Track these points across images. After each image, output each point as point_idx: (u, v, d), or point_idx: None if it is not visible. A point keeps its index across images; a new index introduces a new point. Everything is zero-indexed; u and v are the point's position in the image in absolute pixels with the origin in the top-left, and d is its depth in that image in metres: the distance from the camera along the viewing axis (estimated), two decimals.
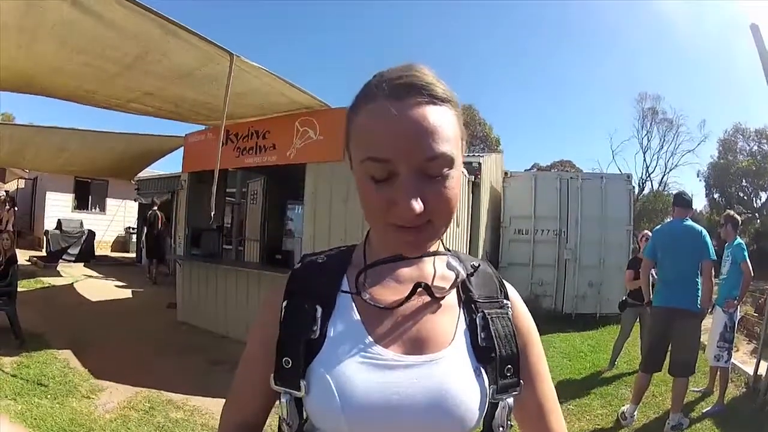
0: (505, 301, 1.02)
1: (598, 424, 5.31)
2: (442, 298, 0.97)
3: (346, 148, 0.95)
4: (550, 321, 9.98)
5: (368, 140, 0.86)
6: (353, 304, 0.96)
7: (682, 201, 5.46)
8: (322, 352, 0.91)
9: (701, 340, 5.47)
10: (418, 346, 0.92)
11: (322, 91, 6.65)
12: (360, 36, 67.99)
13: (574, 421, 5.38)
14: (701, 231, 5.17)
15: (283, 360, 0.92)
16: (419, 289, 0.94)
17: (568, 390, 6.28)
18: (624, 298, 7.21)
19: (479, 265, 1.05)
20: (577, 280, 11.39)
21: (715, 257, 5.26)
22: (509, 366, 0.95)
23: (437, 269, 1.02)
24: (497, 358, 0.94)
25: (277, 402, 0.97)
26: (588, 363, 7.60)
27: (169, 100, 6.87)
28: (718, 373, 5.88)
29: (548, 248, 11.55)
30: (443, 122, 0.84)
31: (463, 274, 1.00)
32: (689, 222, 5.27)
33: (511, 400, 0.96)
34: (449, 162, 0.84)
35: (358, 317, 0.94)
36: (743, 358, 7.77)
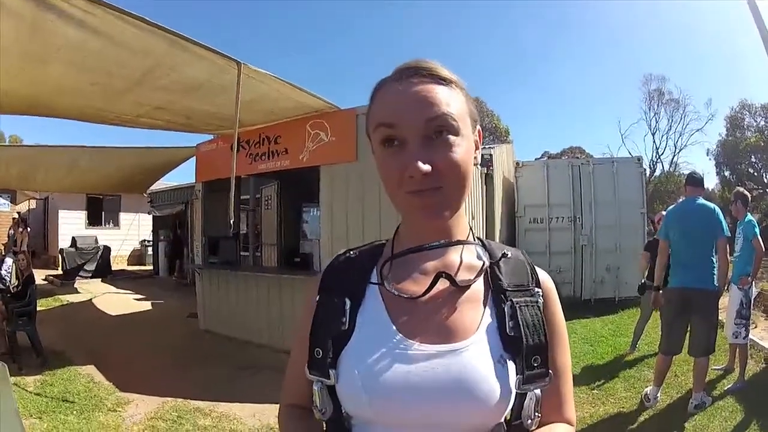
0: (536, 289, 1.02)
1: (623, 407, 5.30)
2: (467, 287, 0.99)
3: (368, 136, 1.02)
4: (569, 308, 9.69)
5: (378, 112, 0.96)
6: (380, 295, 1.00)
7: (694, 180, 5.43)
8: (351, 342, 0.95)
9: (719, 318, 5.44)
10: (442, 335, 0.93)
11: (330, 95, 6.69)
12: (363, 37, 68.30)
13: (599, 404, 5.38)
14: (714, 209, 5.14)
15: (315, 350, 0.98)
16: (442, 279, 0.95)
17: (591, 374, 6.30)
18: (643, 281, 7.18)
19: (509, 253, 1.05)
20: (595, 265, 11.35)
21: (729, 234, 5.22)
22: (537, 356, 0.95)
23: (464, 259, 1.03)
24: (524, 347, 0.94)
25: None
26: (609, 347, 7.59)
27: (180, 113, 6.88)
28: (738, 350, 5.85)
29: (564, 235, 11.52)
30: (445, 95, 0.92)
31: (487, 262, 1.01)
32: (702, 200, 5.24)
33: (539, 391, 0.95)
34: (451, 126, 0.91)
35: (384, 308, 0.98)
36: (762, 335, 7.74)
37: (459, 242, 1.02)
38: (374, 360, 0.91)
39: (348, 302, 0.98)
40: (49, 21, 3.96)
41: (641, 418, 5.04)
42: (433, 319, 0.95)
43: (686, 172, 37.02)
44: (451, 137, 0.91)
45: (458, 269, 1.01)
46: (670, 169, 39.55)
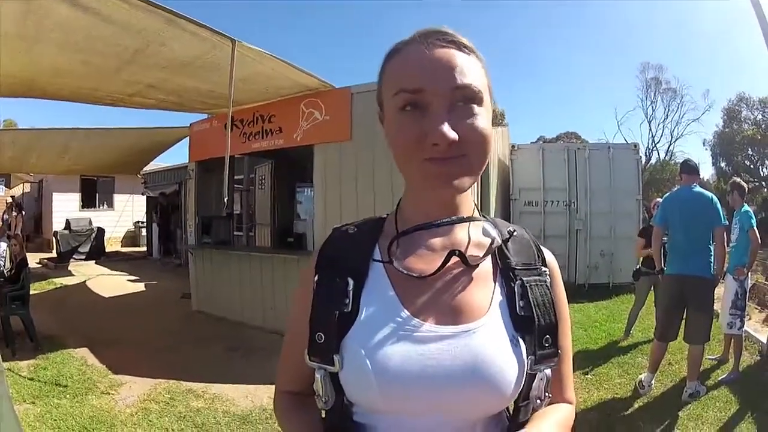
0: (543, 268, 1.00)
1: (617, 393, 5.32)
2: (477, 265, 0.96)
3: (379, 104, 0.99)
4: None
5: (400, 75, 0.90)
6: (386, 274, 0.95)
7: (689, 167, 5.40)
8: (356, 325, 0.90)
9: (715, 307, 5.46)
10: (453, 316, 0.91)
11: (325, 73, 6.65)
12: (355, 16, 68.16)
13: (593, 390, 5.39)
14: (711, 197, 5.13)
15: (316, 335, 0.93)
16: (453, 257, 0.93)
17: (586, 359, 6.32)
18: (638, 267, 7.19)
19: (515, 230, 1.04)
20: (589, 250, 11.37)
21: (726, 223, 5.23)
22: (548, 336, 0.93)
23: (472, 236, 1.00)
24: (536, 327, 0.92)
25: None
26: (603, 332, 7.62)
27: (173, 91, 6.84)
28: (732, 340, 5.84)
29: (559, 219, 11.52)
30: (470, 64, 0.90)
31: (498, 240, 0.98)
32: (698, 188, 5.23)
33: (549, 371, 0.94)
34: (477, 96, 0.88)
35: (392, 288, 0.93)
36: (756, 327, 7.74)
37: (470, 219, 0.99)
38: (383, 342, 0.87)
39: (351, 282, 0.93)
40: (42, 2, 3.93)
41: (635, 405, 5.05)
42: (443, 299, 0.93)
43: (682, 161, 37.32)
44: (476, 107, 0.88)
45: (467, 246, 0.98)
46: (666, 158, 39.61)
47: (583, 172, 11.44)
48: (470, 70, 0.88)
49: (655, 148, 40.04)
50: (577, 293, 10.27)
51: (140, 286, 12.28)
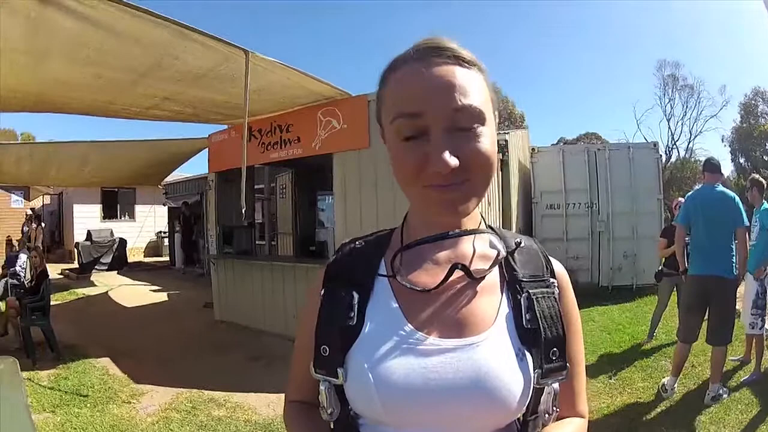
0: (551, 280, 0.98)
1: (640, 398, 5.24)
2: (482, 278, 0.94)
3: (379, 123, 0.96)
4: (587, 295, 9.85)
5: (398, 99, 0.88)
6: (390, 288, 0.95)
7: (712, 166, 5.32)
8: (360, 339, 0.90)
9: (737, 308, 5.38)
10: (457, 329, 0.89)
11: (342, 81, 6.65)
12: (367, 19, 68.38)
13: (616, 395, 5.33)
14: (734, 197, 5.05)
15: (321, 348, 0.93)
16: (457, 270, 0.91)
17: (609, 363, 6.25)
18: (660, 268, 7.12)
19: (522, 241, 1.01)
20: (612, 252, 11.24)
21: (748, 223, 5.16)
22: (555, 349, 0.91)
23: (477, 248, 0.99)
24: (542, 340, 0.90)
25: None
26: (627, 336, 7.52)
27: (188, 103, 6.86)
28: (754, 341, 5.75)
29: (581, 221, 11.41)
30: (471, 81, 0.86)
31: (503, 252, 0.97)
32: (721, 188, 5.14)
33: (556, 386, 0.93)
34: (479, 116, 0.85)
35: (396, 301, 0.93)
36: None
37: (473, 231, 0.97)
38: (386, 356, 0.87)
39: (356, 296, 0.93)
40: (49, 16, 3.94)
41: (658, 410, 4.98)
42: (447, 312, 0.91)
43: (702, 158, 37.11)
44: (478, 127, 0.85)
45: (472, 259, 0.97)
46: (686, 156, 39.24)
47: (604, 173, 11.32)
48: (471, 88, 0.85)
49: (674, 146, 39.75)
50: (600, 295, 10.21)
51: (162, 296, 12.36)
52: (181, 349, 7.55)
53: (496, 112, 0.96)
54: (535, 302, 0.92)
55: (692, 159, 37.89)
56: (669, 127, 40.04)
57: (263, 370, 6.30)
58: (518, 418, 0.93)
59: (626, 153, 11.47)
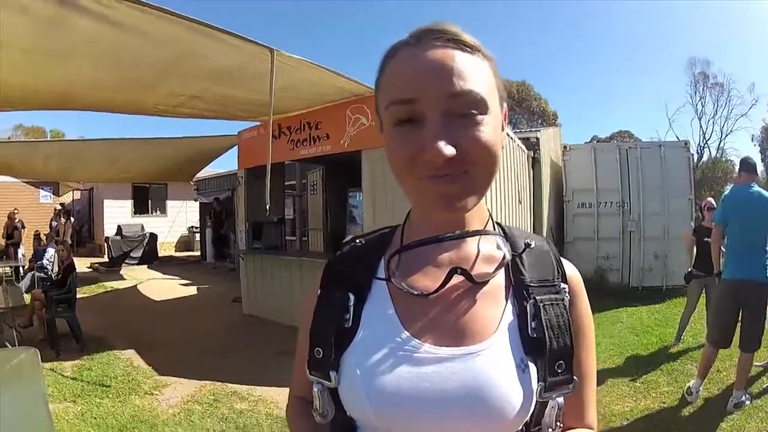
0: (562, 285, 0.91)
1: (664, 402, 5.16)
2: (485, 283, 0.88)
3: (377, 113, 0.90)
4: (617, 295, 9.81)
5: (391, 86, 0.82)
6: (388, 291, 0.90)
7: (748, 166, 5.16)
8: (354, 343, 0.86)
9: None
10: (456, 337, 0.84)
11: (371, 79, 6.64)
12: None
13: (640, 399, 5.25)
14: None
15: (315, 350, 0.90)
16: (456, 274, 0.86)
17: (635, 366, 6.19)
18: (690, 270, 7.00)
19: (532, 242, 0.94)
20: (643, 252, 11.08)
21: None
22: (561, 362, 0.85)
23: (482, 250, 0.93)
24: (547, 351, 0.84)
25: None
26: (655, 338, 7.41)
27: (216, 101, 6.89)
28: None
29: (612, 221, 11.28)
30: (470, 65, 0.80)
31: (508, 255, 0.91)
32: (756, 188, 4.99)
33: (561, 400, 0.87)
34: (478, 102, 0.78)
35: (392, 305, 0.88)
36: None
37: (477, 232, 0.91)
38: (379, 363, 0.83)
39: (352, 298, 0.89)
40: (70, 18, 3.98)
41: (680, 415, 4.91)
42: (446, 318, 0.86)
43: (733, 158, 36.71)
44: (479, 115, 0.78)
45: (475, 262, 0.91)
46: (717, 155, 38.61)
47: (636, 172, 11.15)
48: (471, 73, 0.78)
49: (706, 145, 39.16)
50: (630, 296, 10.09)
51: (192, 290, 12.51)
52: (208, 342, 7.61)
53: (505, 104, 0.89)
54: (542, 310, 0.86)
55: (723, 158, 37.29)
56: (700, 126, 39.50)
57: (288, 365, 6.22)
58: (521, 430, 0.85)
59: (658, 151, 11.27)
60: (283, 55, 4.94)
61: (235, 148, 9.90)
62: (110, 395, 5.39)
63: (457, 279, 0.86)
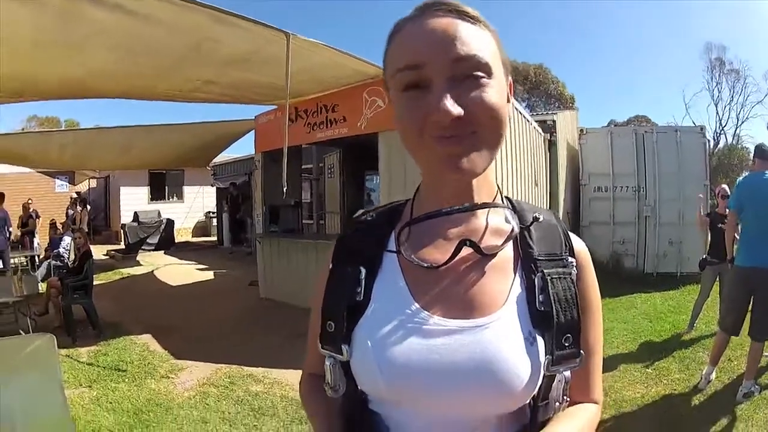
0: (569, 259, 0.92)
1: (675, 389, 5.15)
2: (494, 255, 0.90)
3: (386, 88, 0.93)
4: (632, 281, 9.80)
5: (398, 55, 0.85)
6: (398, 264, 0.92)
7: (763, 152, 5.09)
8: (366, 315, 0.89)
9: None
10: (465, 309, 0.86)
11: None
12: None
13: (652, 385, 5.25)
14: None
15: (327, 323, 0.92)
16: (465, 247, 0.87)
17: (648, 352, 6.20)
18: (704, 256, 6.97)
19: (540, 216, 0.95)
20: (658, 237, 11.00)
21: None
22: (568, 335, 0.86)
23: (491, 223, 0.94)
24: (555, 325, 0.85)
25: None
26: (668, 324, 7.39)
27: (231, 85, 6.92)
28: None
29: (628, 205, 11.19)
30: (473, 32, 0.83)
31: (516, 228, 0.92)
32: None
33: (568, 374, 0.88)
34: (482, 66, 0.81)
35: (402, 278, 0.90)
36: None
37: (485, 205, 0.92)
38: (390, 335, 0.85)
39: (363, 271, 0.91)
40: (80, 8, 4.00)
41: (690, 402, 4.91)
42: (455, 291, 0.88)
43: (748, 145, 36.23)
44: (484, 78, 0.81)
45: (484, 235, 0.93)
46: (733, 142, 38.11)
47: (651, 157, 11.04)
48: (474, 40, 0.81)
49: (722, 132, 38.71)
50: (645, 282, 10.04)
51: (209, 275, 12.56)
52: (224, 326, 7.66)
53: (509, 77, 0.91)
54: (549, 283, 0.87)
55: (739, 145, 36.81)
56: (717, 112, 38.97)
57: (304, 348, 6.26)
58: (529, 404, 0.88)
59: (673, 136, 11.16)
60: (298, 38, 4.94)
61: (252, 132, 9.95)
62: (126, 380, 5.44)
63: (466, 252, 0.88)
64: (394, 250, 0.93)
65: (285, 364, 5.71)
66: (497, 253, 0.90)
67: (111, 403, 4.85)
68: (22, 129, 30.31)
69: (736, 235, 5.32)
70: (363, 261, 0.93)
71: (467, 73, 0.80)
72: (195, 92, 7.06)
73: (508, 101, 0.89)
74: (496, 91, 0.82)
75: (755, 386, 4.88)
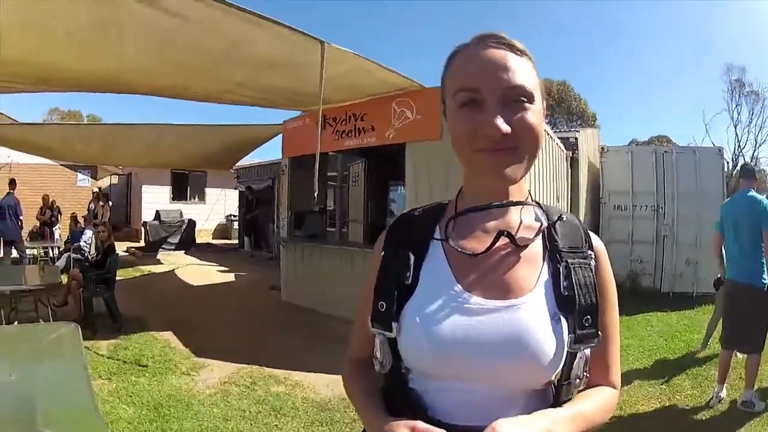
0: (589, 252, 1.07)
1: (687, 405, 5.20)
2: (526, 246, 1.04)
3: (442, 100, 1.11)
4: (648, 300, 9.80)
5: (459, 76, 1.02)
6: (443, 251, 1.07)
7: (746, 171, 5.34)
8: (414, 296, 1.02)
9: None
10: (501, 291, 1.00)
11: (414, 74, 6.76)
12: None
13: (665, 400, 5.31)
14: (761, 200, 4.98)
15: (379, 304, 1.05)
16: (503, 237, 1.02)
17: (662, 369, 6.23)
18: (718, 276, 7.04)
19: (564, 216, 1.11)
20: (675, 257, 10.98)
21: None
22: (588, 316, 1.00)
23: (523, 219, 1.09)
24: (577, 307, 0.99)
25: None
26: (682, 342, 7.42)
27: (262, 89, 6.93)
28: None
29: (646, 224, 11.18)
30: (522, 66, 1.00)
31: (545, 223, 1.07)
32: (752, 193, 5.10)
33: (588, 351, 1.02)
34: (528, 94, 0.98)
35: (447, 264, 1.04)
36: None
37: (519, 203, 1.08)
38: (436, 313, 0.98)
39: (412, 257, 1.05)
40: (122, 4, 4.05)
41: (702, 418, 4.96)
42: (493, 275, 1.02)
43: (766, 167, 35.98)
44: (527, 104, 0.97)
45: (518, 229, 1.07)
46: (751, 164, 37.81)
47: (671, 177, 11.04)
48: (522, 71, 0.98)
49: (741, 154, 38.37)
50: (661, 301, 10.01)
51: (229, 277, 12.59)
52: (246, 326, 7.72)
53: (545, 102, 1.08)
54: (572, 271, 1.01)
55: (757, 168, 36.52)
56: (736, 134, 38.68)
57: (326, 352, 6.24)
58: (553, 383, 1.04)
59: (692, 157, 11.16)
60: (332, 47, 5.00)
61: (276, 138, 10.08)
62: (146, 374, 5.50)
63: (502, 242, 1.02)
64: (441, 238, 1.07)
65: (307, 367, 5.80)
66: (528, 244, 1.05)
67: (131, 396, 4.92)
68: (43, 121, 30.45)
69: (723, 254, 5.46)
70: (412, 248, 1.07)
71: (515, 98, 0.97)
72: (227, 93, 7.06)
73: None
74: (536, 114, 0.99)
75: (757, 399, 4.97)
